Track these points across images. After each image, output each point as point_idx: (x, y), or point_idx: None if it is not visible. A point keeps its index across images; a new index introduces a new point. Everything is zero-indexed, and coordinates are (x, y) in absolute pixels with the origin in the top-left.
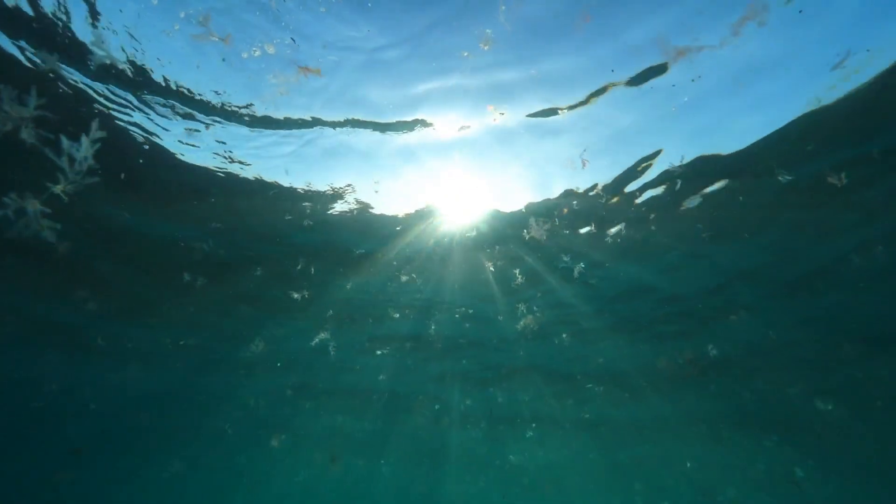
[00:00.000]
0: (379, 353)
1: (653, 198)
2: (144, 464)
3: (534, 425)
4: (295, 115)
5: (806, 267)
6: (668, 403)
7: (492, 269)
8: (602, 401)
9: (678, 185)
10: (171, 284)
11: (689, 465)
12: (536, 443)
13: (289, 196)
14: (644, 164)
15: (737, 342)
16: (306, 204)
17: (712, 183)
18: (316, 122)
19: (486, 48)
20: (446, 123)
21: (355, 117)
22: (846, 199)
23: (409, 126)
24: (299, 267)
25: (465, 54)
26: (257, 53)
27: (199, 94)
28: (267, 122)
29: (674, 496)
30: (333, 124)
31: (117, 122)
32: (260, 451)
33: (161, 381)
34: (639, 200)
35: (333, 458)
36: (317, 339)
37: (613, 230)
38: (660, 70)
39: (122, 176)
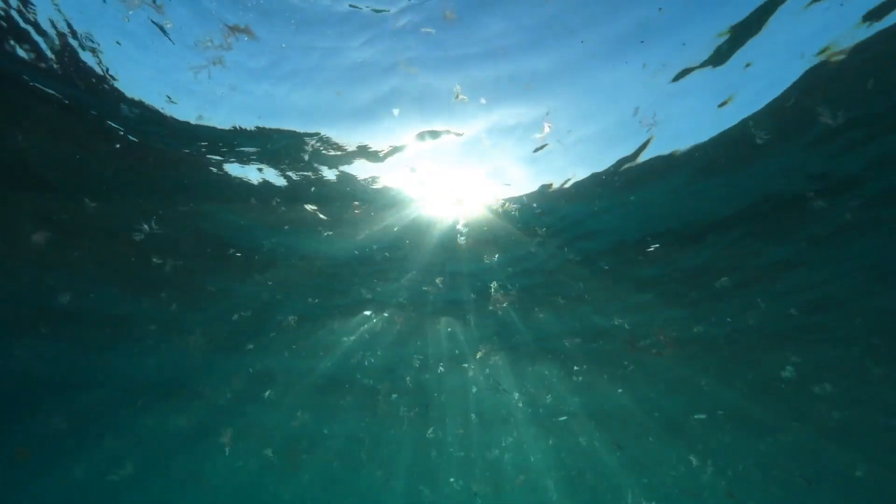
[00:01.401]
0: (345, 339)
1: (628, 169)
2: (89, 467)
3: (516, 422)
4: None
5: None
6: (655, 391)
7: (463, 245)
8: (585, 389)
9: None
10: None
11: (681, 467)
12: (519, 439)
13: (254, 187)
14: (624, 145)
15: (722, 316)
16: (276, 199)
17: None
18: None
19: (449, 21)
20: (417, 116)
21: (320, 132)
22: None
23: (379, 119)
24: (265, 249)
25: (429, 30)
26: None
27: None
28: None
29: (665, 496)
30: (296, 135)
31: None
32: (216, 453)
33: (107, 369)
34: (613, 171)
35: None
36: (284, 323)
37: (588, 201)
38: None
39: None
